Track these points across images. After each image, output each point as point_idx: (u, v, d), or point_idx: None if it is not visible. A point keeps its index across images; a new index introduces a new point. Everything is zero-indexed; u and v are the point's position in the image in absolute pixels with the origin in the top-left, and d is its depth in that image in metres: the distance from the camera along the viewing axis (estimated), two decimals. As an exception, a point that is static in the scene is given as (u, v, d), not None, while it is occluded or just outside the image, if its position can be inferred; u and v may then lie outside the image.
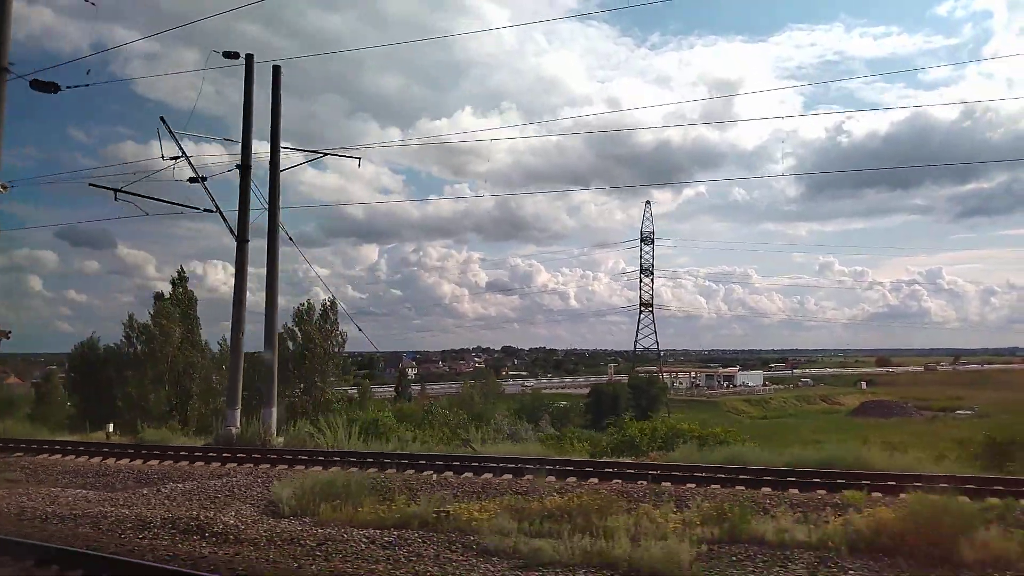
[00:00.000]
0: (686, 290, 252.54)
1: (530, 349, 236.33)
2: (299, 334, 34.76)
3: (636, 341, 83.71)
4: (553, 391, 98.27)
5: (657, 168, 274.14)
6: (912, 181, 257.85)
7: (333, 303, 35.54)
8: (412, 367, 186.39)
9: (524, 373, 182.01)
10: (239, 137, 18.62)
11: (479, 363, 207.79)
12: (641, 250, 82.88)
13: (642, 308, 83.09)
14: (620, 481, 11.08)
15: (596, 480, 11.33)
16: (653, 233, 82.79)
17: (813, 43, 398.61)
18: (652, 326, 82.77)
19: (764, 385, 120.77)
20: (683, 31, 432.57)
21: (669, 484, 10.83)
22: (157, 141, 17.26)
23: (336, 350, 35.48)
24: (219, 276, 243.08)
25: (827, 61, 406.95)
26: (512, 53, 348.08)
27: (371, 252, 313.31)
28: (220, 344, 36.86)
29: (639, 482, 10.96)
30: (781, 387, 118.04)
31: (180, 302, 37.14)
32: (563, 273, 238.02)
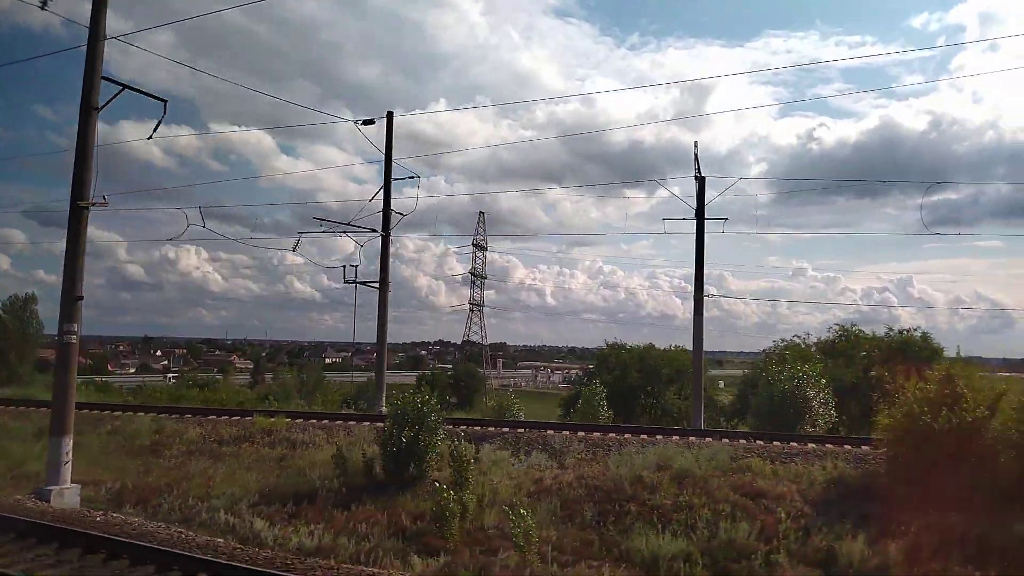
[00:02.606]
0: (661, 291, 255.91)
1: (491, 344, 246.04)
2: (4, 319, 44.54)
3: (465, 336, 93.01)
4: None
5: (630, 167, 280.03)
6: (881, 190, 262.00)
7: (33, 295, 45.49)
8: (334, 357, 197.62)
9: (449, 367, 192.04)
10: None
11: (426, 354, 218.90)
12: (474, 256, 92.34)
13: (472, 307, 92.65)
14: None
15: None
16: (485, 240, 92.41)
17: (789, 50, 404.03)
18: (480, 323, 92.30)
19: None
20: (662, 32, 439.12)
21: None
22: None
23: (32, 332, 45.35)
24: (192, 261, 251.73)
25: (803, 68, 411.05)
26: (488, 47, 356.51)
27: (347, 243, 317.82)
28: None
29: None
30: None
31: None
32: (539, 270, 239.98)
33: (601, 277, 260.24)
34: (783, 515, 11.37)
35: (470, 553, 10.24)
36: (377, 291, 20.46)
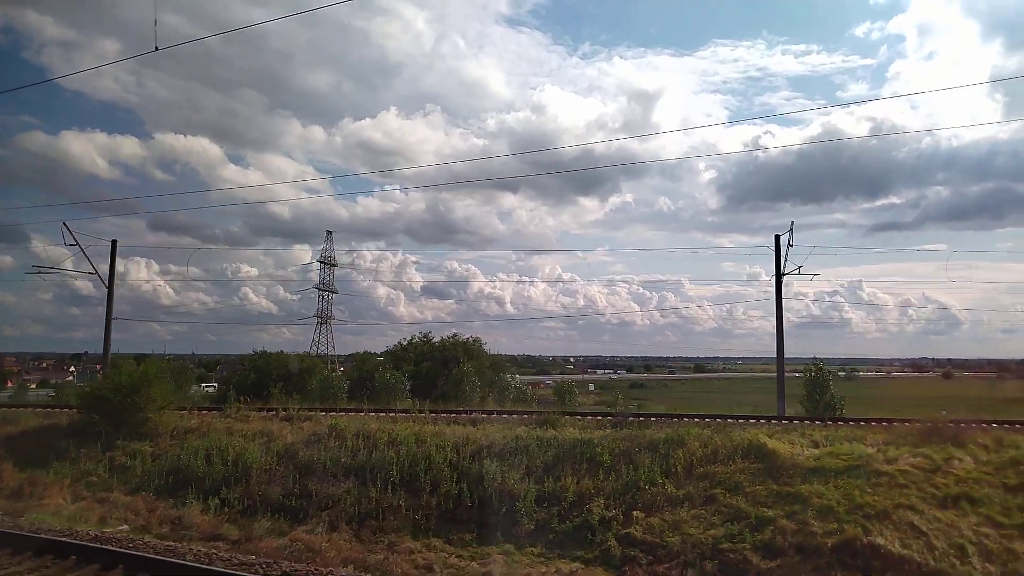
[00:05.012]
0: (620, 297, 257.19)
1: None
2: None
3: (314, 348, 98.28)
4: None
5: (581, 176, 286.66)
6: (824, 195, 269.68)
7: None
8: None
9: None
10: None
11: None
12: (322, 272, 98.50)
13: (319, 319, 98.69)
14: None
15: None
16: (333, 257, 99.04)
17: (737, 59, 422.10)
18: (329, 336, 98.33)
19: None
20: (612, 42, 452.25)
21: None
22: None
23: None
24: (142, 274, 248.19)
25: (750, 77, 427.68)
26: (436, 56, 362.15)
27: (303, 253, 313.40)
28: None
29: None
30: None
31: None
32: (499, 278, 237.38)
33: (560, 285, 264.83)
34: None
35: None
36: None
